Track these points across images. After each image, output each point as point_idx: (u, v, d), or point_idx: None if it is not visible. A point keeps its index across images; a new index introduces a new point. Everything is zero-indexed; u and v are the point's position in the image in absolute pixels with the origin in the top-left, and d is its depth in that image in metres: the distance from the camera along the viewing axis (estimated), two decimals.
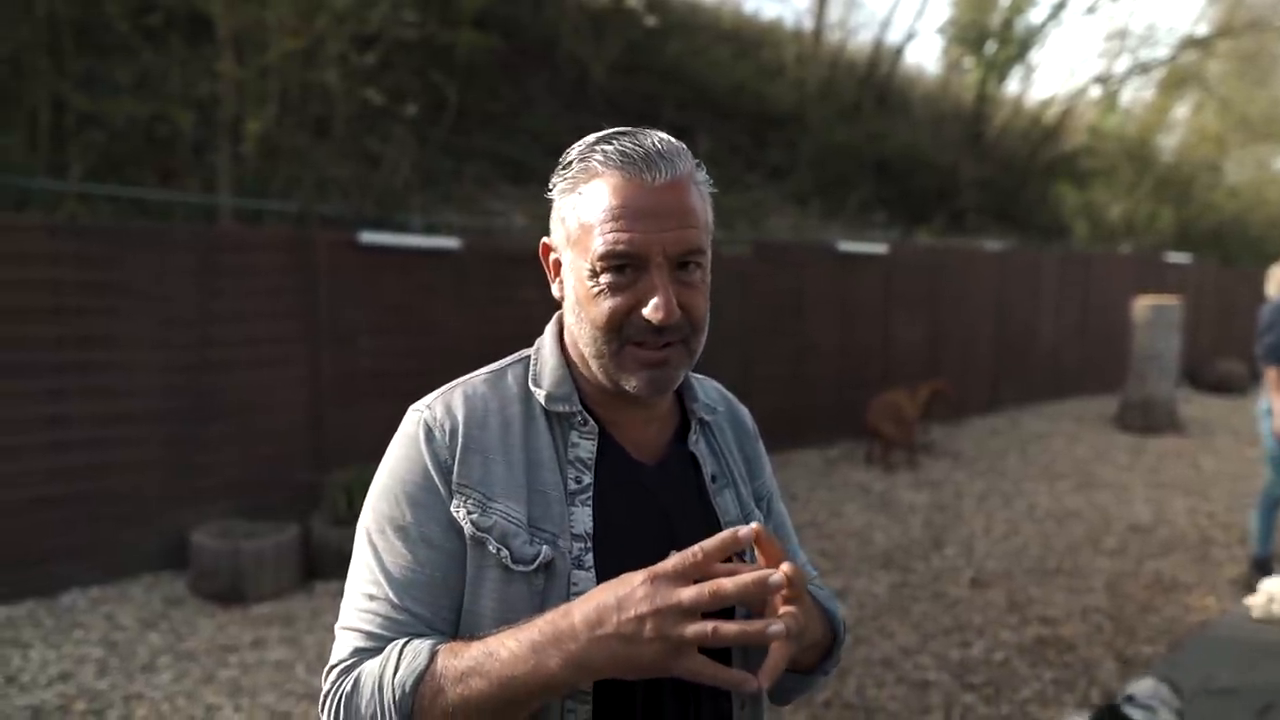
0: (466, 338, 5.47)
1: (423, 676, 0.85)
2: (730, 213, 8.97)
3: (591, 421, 0.99)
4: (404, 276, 5.32)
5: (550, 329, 1.05)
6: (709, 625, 0.75)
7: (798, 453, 7.46)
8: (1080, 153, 16.56)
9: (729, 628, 0.75)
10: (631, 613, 0.76)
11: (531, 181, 8.07)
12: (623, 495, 0.98)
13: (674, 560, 0.78)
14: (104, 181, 5.60)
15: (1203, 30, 18.11)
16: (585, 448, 0.98)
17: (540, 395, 0.99)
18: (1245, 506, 5.93)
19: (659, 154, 0.91)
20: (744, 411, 1.20)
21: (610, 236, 0.90)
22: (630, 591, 0.77)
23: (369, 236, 5.17)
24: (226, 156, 5.98)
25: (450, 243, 5.47)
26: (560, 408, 0.98)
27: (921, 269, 8.86)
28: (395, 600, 0.93)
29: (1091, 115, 17.78)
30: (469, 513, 0.93)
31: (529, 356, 1.04)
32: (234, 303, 4.75)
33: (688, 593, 0.75)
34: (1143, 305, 9.00)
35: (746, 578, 0.76)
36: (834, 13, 15.86)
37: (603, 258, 0.91)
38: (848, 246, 8.10)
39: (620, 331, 0.93)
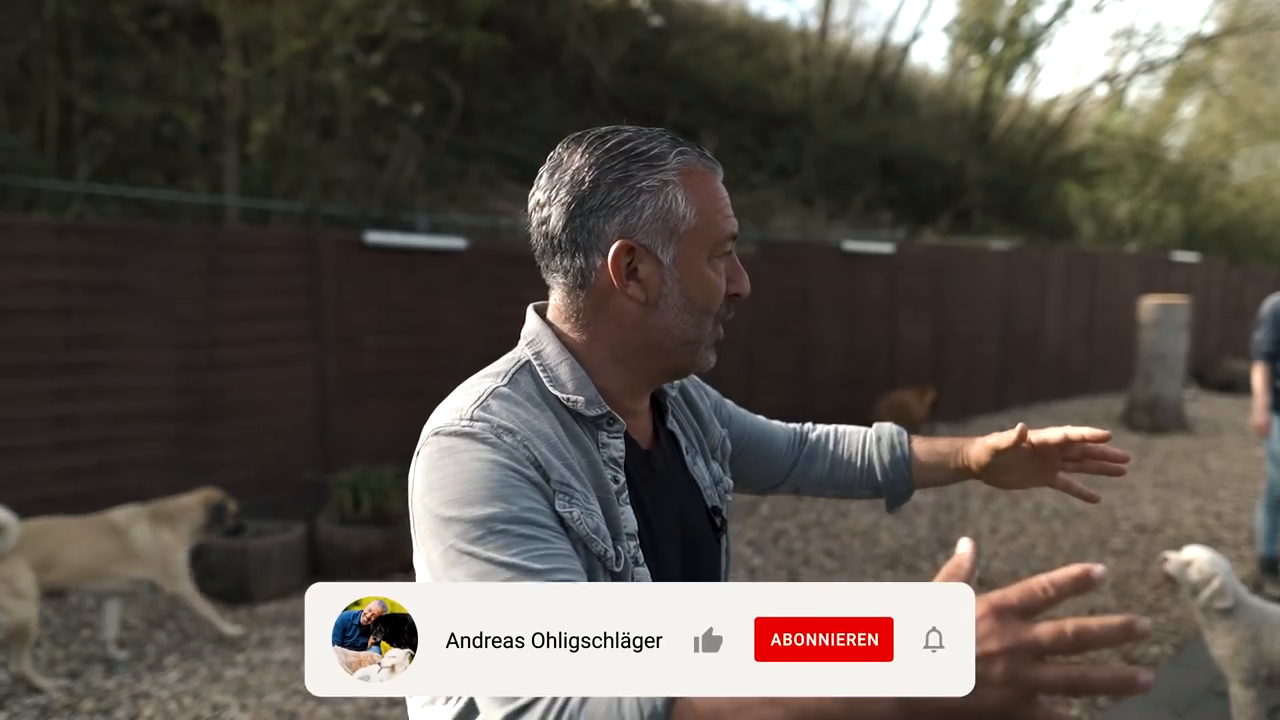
0: (472, 337, 5.47)
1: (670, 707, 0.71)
2: (735, 212, 8.96)
3: (620, 420, 0.99)
4: (409, 276, 5.33)
5: (543, 330, 1.01)
6: (1074, 669, 0.64)
7: None
8: (1087, 152, 16.50)
9: (1100, 674, 0.64)
10: (977, 650, 0.65)
11: None
12: (646, 486, 1.01)
13: (1018, 592, 0.68)
14: (111, 182, 5.62)
15: (1210, 28, 18.04)
16: (616, 446, 0.99)
17: (575, 402, 0.96)
18: (1253, 507, 5.91)
19: None
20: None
21: (731, 220, 1.00)
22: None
23: (374, 236, 5.18)
24: (233, 157, 5.99)
25: (456, 243, 5.48)
26: (595, 411, 0.97)
27: (927, 268, 8.84)
28: (546, 575, 0.80)
29: (1098, 114, 17.72)
30: (582, 512, 0.89)
31: (528, 361, 1.00)
32: (240, 303, 4.76)
33: (1046, 631, 0.64)
34: (1149, 305, 8.97)
35: (1113, 622, 0.64)
36: (839, 12, 15.84)
37: (728, 239, 0.99)
38: (853, 246, 8.09)
39: (718, 312, 1.01)
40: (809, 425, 1.39)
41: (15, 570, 3.28)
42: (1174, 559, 2.95)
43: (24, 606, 3.27)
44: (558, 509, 0.88)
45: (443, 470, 0.87)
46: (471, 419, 0.89)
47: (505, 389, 0.95)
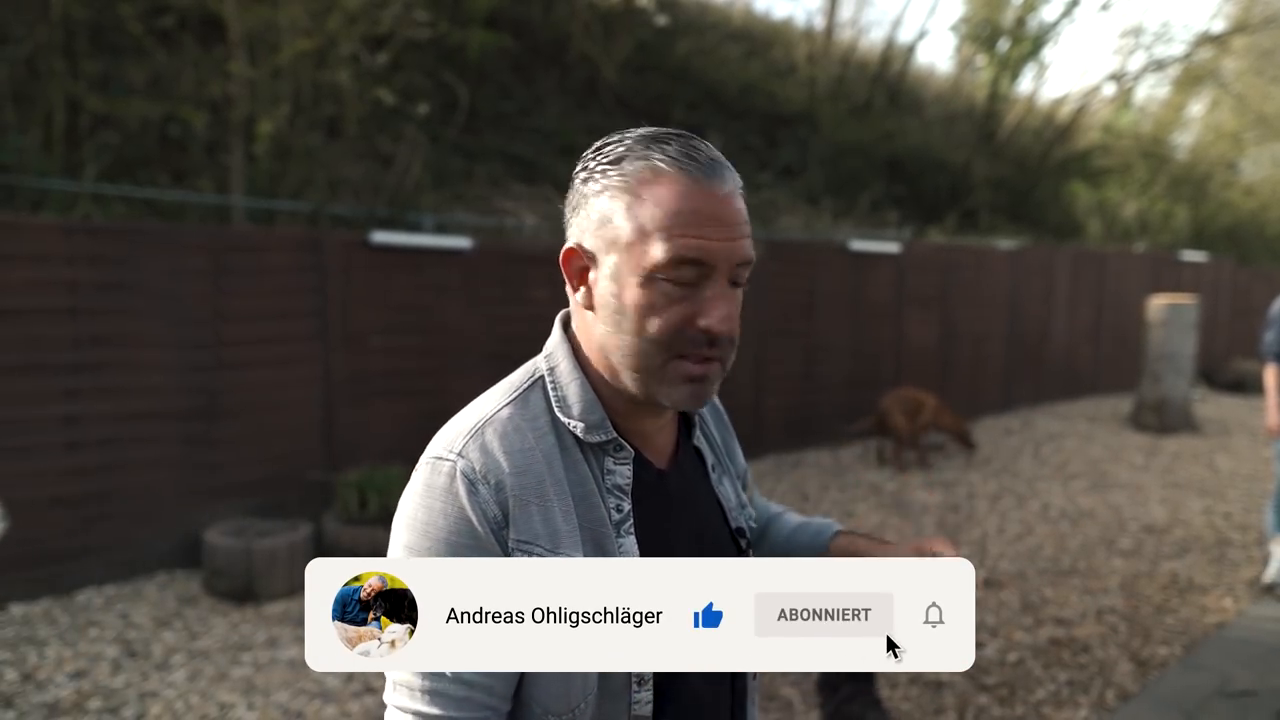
0: (477, 337, 5.47)
1: None
2: None
3: (627, 446, 0.95)
4: (415, 276, 5.33)
5: (560, 345, 0.98)
6: None
7: (810, 452, 7.44)
8: (1094, 151, 16.44)
9: None
10: None
11: (543, 181, 8.07)
12: (656, 510, 0.96)
13: None
14: (118, 182, 5.63)
15: (1219, 26, 17.95)
16: (622, 474, 0.94)
17: (575, 427, 0.93)
18: (1262, 507, 5.87)
19: (719, 161, 0.89)
20: (716, 398, 1.20)
21: (683, 242, 0.85)
22: None
23: (380, 236, 5.18)
24: (239, 157, 6.00)
25: (461, 242, 5.48)
26: (598, 438, 0.93)
27: (934, 268, 8.81)
28: (451, 673, 0.83)
29: (1105, 113, 17.64)
30: None
31: (542, 377, 0.96)
32: (246, 302, 4.77)
33: None
34: (1158, 304, 8.93)
35: None
36: (845, 11, 15.81)
37: (672, 263, 0.85)
38: (860, 245, 8.07)
39: (671, 344, 0.88)
40: (772, 506, 1.30)
41: None
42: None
43: None
44: None
45: (415, 510, 0.89)
46: (458, 455, 0.88)
47: (509, 411, 0.92)
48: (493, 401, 0.94)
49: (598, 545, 0.90)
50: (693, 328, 0.88)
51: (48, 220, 4.62)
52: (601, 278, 0.91)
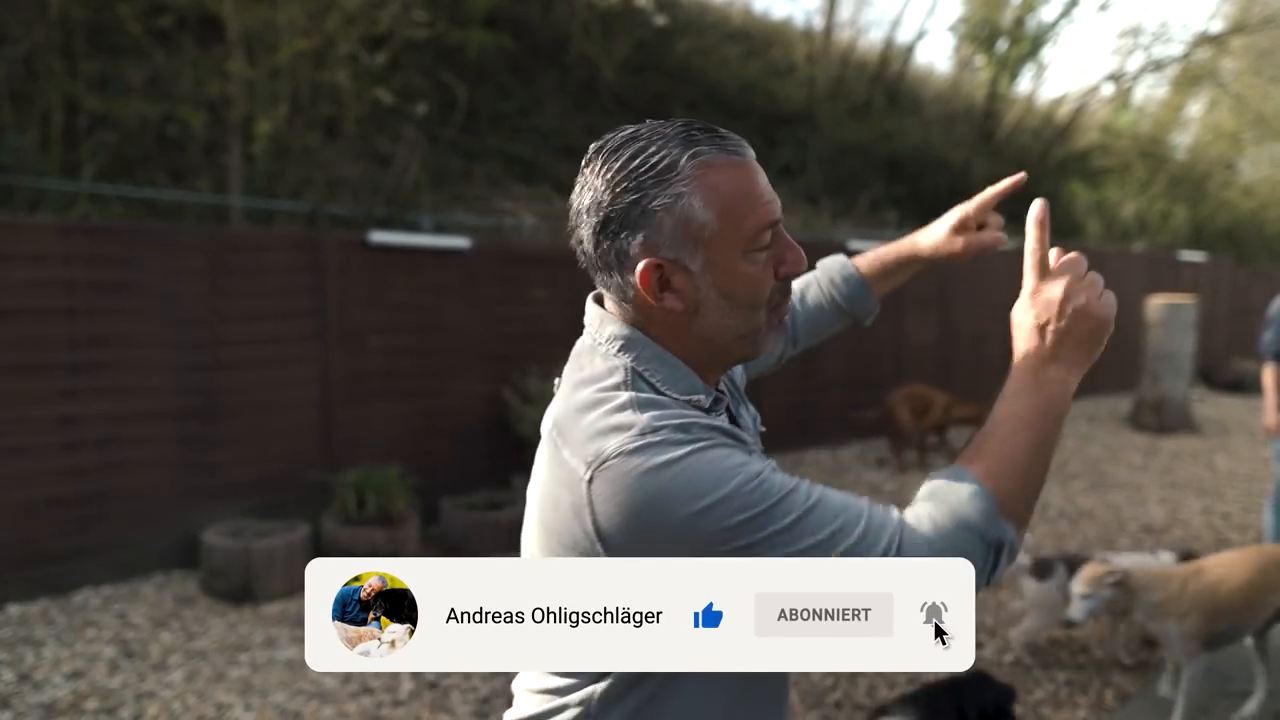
0: (476, 337, 5.46)
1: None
2: None
3: (724, 398, 1.03)
4: (414, 276, 5.32)
5: (632, 334, 0.98)
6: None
7: (808, 452, 7.43)
8: (1093, 151, 16.45)
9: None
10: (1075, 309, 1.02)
11: (542, 181, 8.06)
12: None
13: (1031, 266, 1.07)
14: (116, 182, 5.62)
15: (1217, 26, 17.96)
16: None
17: (698, 399, 0.97)
18: (1260, 507, 5.87)
19: (737, 137, 0.98)
20: None
21: (766, 208, 0.95)
22: (1061, 293, 1.04)
23: (379, 236, 5.17)
24: (237, 157, 5.99)
25: (460, 242, 5.47)
26: (709, 399, 0.99)
27: (933, 268, 8.81)
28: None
29: (1104, 113, 17.65)
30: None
31: (630, 368, 0.96)
32: (244, 302, 4.76)
33: (1065, 263, 1.05)
34: (1156, 304, 8.93)
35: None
36: (844, 11, 15.81)
37: (766, 227, 0.95)
38: (859, 245, 8.06)
39: (769, 300, 0.98)
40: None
41: None
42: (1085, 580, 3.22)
43: None
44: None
45: (658, 483, 0.83)
46: (652, 429, 0.87)
47: (639, 395, 0.93)
48: (618, 392, 0.94)
49: None
50: (779, 279, 0.99)
51: (45, 220, 4.62)
52: (697, 276, 0.95)
